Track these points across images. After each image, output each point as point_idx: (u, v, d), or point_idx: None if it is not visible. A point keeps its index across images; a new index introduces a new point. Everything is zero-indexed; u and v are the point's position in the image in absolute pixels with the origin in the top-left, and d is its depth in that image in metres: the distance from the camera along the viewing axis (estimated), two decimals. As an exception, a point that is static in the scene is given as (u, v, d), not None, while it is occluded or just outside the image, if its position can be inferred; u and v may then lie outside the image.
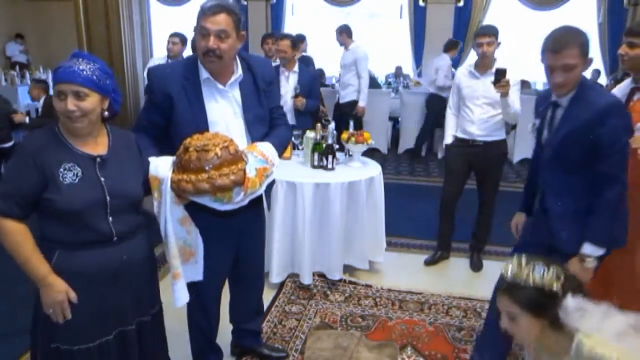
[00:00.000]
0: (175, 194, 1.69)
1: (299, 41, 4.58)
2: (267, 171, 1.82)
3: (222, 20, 1.83)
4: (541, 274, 1.40)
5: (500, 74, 2.94)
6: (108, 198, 1.57)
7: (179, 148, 1.70)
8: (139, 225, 1.68)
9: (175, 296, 1.78)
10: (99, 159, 1.59)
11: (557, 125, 2.03)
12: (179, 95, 1.93)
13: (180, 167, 1.66)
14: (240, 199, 1.75)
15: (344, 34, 5.97)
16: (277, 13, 9.42)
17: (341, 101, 6.17)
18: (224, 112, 1.99)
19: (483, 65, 3.30)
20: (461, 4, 8.63)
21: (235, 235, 2.13)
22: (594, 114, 1.87)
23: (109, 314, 1.63)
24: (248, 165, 1.73)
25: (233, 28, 1.86)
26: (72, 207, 1.51)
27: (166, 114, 1.95)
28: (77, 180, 1.52)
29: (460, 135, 3.43)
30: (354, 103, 5.96)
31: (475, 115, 3.32)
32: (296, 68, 4.10)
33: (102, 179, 1.57)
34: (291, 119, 4.01)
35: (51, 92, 4.69)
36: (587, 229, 1.92)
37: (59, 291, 1.52)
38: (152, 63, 5.15)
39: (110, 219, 1.58)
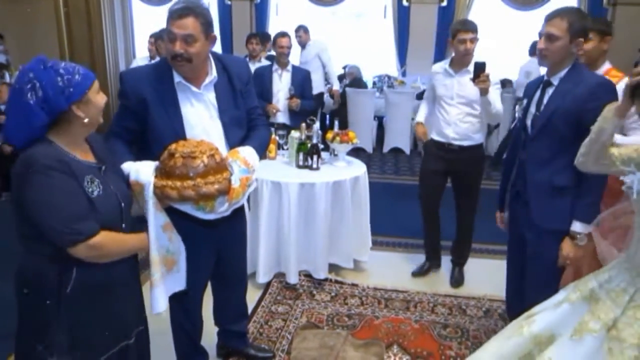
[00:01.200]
0: (157, 199, 1.64)
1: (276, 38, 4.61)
2: (249, 180, 1.82)
3: (189, 24, 1.78)
4: None
5: (479, 68, 2.74)
6: (122, 204, 1.55)
7: (163, 153, 1.66)
8: (138, 229, 1.66)
9: (153, 303, 1.70)
10: (102, 167, 1.55)
11: (546, 102, 2.09)
12: (153, 99, 1.89)
13: (164, 173, 1.63)
14: (223, 209, 1.74)
15: (302, 31, 6.16)
16: (261, 13, 9.39)
17: None
18: (200, 115, 1.95)
19: (460, 62, 3.06)
20: (444, 3, 8.68)
21: (216, 240, 2.12)
22: (584, 90, 1.93)
23: (115, 327, 1.60)
24: (233, 175, 1.72)
25: (201, 31, 1.82)
26: (103, 221, 1.46)
27: (140, 118, 1.91)
28: (101, 192, 1.48)
29: (436, 138, 3.22)
30: (320, 95, 6.15)
31: (451, 115, 3.10)
32: (289, 67, 4.10)
33: (111, 187, 1.54)
34: (286, 119, 4.01)
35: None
36: (576, 206, 1.98)
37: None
38: (135, 63, 5.10)
39: (123, 225, 1.56)
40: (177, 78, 1.91)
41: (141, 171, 1.67)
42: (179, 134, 1.86)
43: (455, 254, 3.44)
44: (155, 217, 1.63)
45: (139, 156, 1.83)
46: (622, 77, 2.29)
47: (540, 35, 2.05)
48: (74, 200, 1.40)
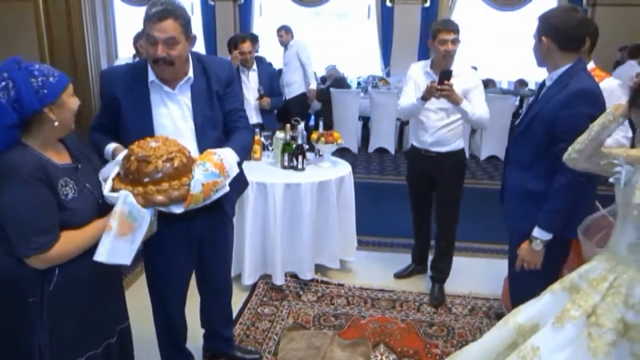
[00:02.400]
0: None
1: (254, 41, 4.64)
2: (217, 185, 1.68)
3: (169, 27, 1.75)
4: None
5: (444, 77, 2.61)
6: (100, 201, 1.55)
7: (127, 160, 1.61)
8: None
9: (98, 248, 1.48)
10: (78, 166, 1.55)
11: (536, 103, 2.10)
12: (125, 98, 1.89)
13: (123, 174, 1.57)
14: (179, 211, 1.61)
15: (283, 31, 6.20)
16: (245, 13, 9.36)
17: (287, 97, 6.25)
18: (173, 116, 1.93)
19: (440, 64, 2.84)
20: (427, 4, 8.75)
21: (196, 241, 2.10)
22: (563, 96, 1.91)
23: (98, 325, 1.59)
24: (194, 180, 1.60)
25: (181, 32, 1.79)
26: (80, 222, 1.47)
27: (115, 117, 1.92)
28: (76, 193, 1.48)
29: (415, 144, 3.08)
30: (301, 96, 6.22)
31: (430, 121, 2.93)
32: (254, 66, 4.11)
33: (87, 186, 1.54)
34: (258, 118, 4.01)
35: None
36: (539, 212, 1.96)
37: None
38: (118, 64, 5.04)
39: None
40: (150, 77, 1.90)
41: (103, 169, 1.64)
42: (149, 133, 1.84)
43: (435, 269, 3.20)
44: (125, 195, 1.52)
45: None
46: (604, 77, 2.31)
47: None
48: (42, 214, 1.40)
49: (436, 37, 2.80)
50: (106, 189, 1.53)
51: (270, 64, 6.40)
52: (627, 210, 1.50)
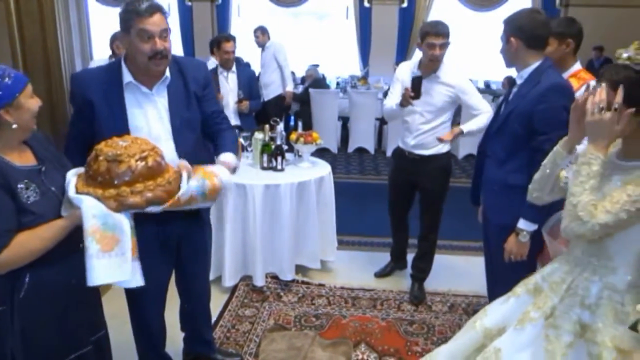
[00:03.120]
0: None
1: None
2: (196, 202, 1.61)
3: (160, 20, 1.77)
4: None
5: (415, 82, 2.64)
6: None
7: (90, 152, 1.49)
8: None
9: (87, 274, 1.38)
10: (42, 168, 1.50)
11: (509, 101, 2.17)
12: (99, 100, 1.85)
13: (88, 177, 1.44)
14: (156, 211, 1.53)
15: (259, 32, 6.20)
16: (222, 14, 9.31)
17: (265, 98, 6.24)
18: (149, 117, 1.91)
19: (428, 67, 2.81)
20: (405, 4, 8.83)
21: (173, 244, 2.08)
22: (537, 92, 2.00)
23: (74, 333, 1.56)
24: (186, 186, 1.54)
25: (168, 25, 1.82)
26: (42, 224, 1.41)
27: (89, 121, 1.88)
28: (38, 196, 1.43)
29: (400, 145, 3.07)
30: (279, 97, 6.22)
31: (415, 123, 2.90)
32: (234, 67, 4.09)
33: (52, 189, 1.49)
34: (236, 120, 3.98)
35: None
36: (523, 205, 1.98)
37: (77, 215, 1.40)
38: (93, 65, 4.95)
39: None
40: (127, 78, 1.87)
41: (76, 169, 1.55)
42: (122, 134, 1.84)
43: (416, 268, 3.21)
44: (86, 199, 1.40)
45: None
46: (587, 80, 2.29)
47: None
48: None
49: (424, 39, 2.75)
50: (71, 190, 1.43)
51: (248, 65, 6.40)
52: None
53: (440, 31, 2.72)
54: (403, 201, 3.20)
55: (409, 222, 3.32)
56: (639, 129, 1.39)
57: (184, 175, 1.58)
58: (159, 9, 1.78)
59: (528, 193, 1.77)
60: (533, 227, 2.02)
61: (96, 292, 1.70)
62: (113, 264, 1.39)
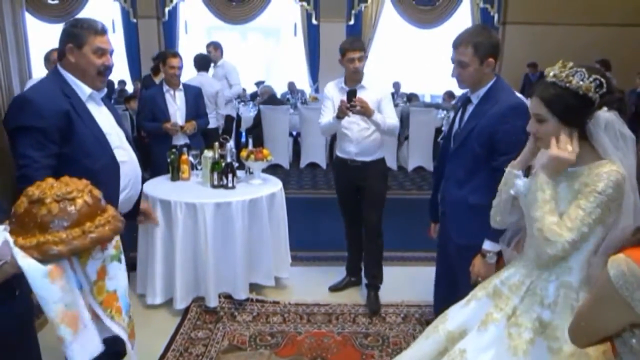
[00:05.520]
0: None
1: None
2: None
3: (109, 39, 2.01)
4: (580, 77, 1.42)
5: (351, 95, 2.90)
6: None
7: (17, 204, 1.24)
8: None
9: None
10: None
11: (465, 120, 2.18)
12: (72, 111, 1.93)
13: (34, 227, 1.19)
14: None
15: (211, 47, 6.13)
16: (169, 31, 9.19)
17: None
18: (110, 123, 2.09)
19: (352, 79, 3.09)
20: (352, 22, 9.03)
21: None
22: (497, 111, 2.03)
23: None
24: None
25: None
26: None
27: (64, 136, 1.90)
28: None
29: (340, 155, 3.24)
30: (228, 116, 6.12)
31: (353, 132, 3.10)
32: (181, 86, 3.97)
33: None
34: (184, 139, 3.86)
35: None
36: (487, 226, 2.00)
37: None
38: (32, 83, 4.76)
39: None
40: (87, 90, 2.00)
41: None
42: (102, 141, 1.99)
43: (369, 275, 3.31)
44: (32, 270, 1.16)
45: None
46: None
47: (452, 61, 2.12)
48: None
49: (344, 56, 3.01)
50: (17, 254, 1.17)
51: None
52: (530, 218, 1.62)
53: (356, 46, 3.03)
54: (353, 209, 3.32)
55: (362, 234, 3.36)
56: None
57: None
58: (106, 30, 2.03)
59: (491, 218, 1.81)
60: (498, 247, 2.01)
61: (32, 328, 1.57)
62: (83, 340, 1.26)
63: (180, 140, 3.84)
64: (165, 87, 3.92)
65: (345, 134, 3.15)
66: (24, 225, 1.19)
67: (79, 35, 1.93)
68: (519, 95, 2.50)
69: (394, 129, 3.15)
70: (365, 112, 2.92)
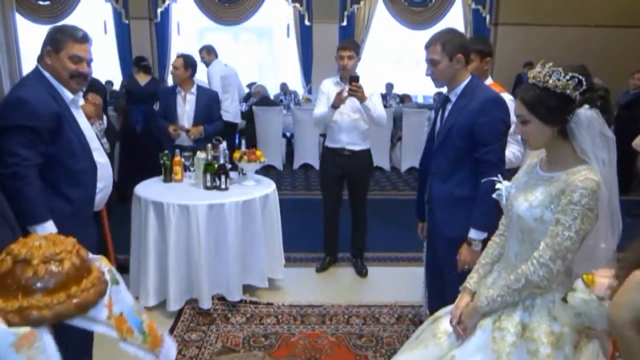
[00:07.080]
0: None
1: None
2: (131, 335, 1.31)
3: (89, 48, 2.06)
4: (557, 77, 1.43)
5: (353, 80, 3.25)
6: None
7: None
8: None
9: None
10: None
11: (445, 117, 2.26)
12: (61, 114, 1.97)
13: (18, 289, 1.09)
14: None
15: (204, 52, 6.13)
16: (162, 32, 9.14)
17: None
18: (87, 127, 2.16)
19: (345, 76, 3.45)
20: (344, 23, 9.03)
21: None
22: (476, 105, 2.11)
23: None
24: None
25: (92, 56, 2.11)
26: None
27: (54, 136, 1.95)
28: None
29: (331, 145, 3.60)
30: (233, 124, 6.12)
31: (344, 122, 3.47)
32: (194, 89, 3.87)
33: None
34: (191, 141, 3.79)
35: None
36: (472, 215, 2.12)
37: None
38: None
39: None
40: (70, 95, 2.05)
41: None
42: (83, 143, 2.05)
43: (354, 245, 3.80)
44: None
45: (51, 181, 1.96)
46: (501, 91, 2.51)
47: (426, 62, 2.23)
48: None
49: (338, 53, 3.46)
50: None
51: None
52: (510, 222, 1.65)
53: (346, 46, 3.49)
54: (335, 197, 3.70)
55: (339, 217, 3.77)
56: (554, 140, 1.51)
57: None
58: (89, 40, 2.06)
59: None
60: (484, 235, 2.10)
61: None
62: None
63: (185, 141, 3.79)
64: (178, 88, 3.89)
65: (337, 124, 3.50)
66: (6, 287, 1.08)
67: (59, 40, 1.99)
68: (508, 95, 2.56)
69: (382, 118, 3.51)
70: (362, 96, 3.27)
